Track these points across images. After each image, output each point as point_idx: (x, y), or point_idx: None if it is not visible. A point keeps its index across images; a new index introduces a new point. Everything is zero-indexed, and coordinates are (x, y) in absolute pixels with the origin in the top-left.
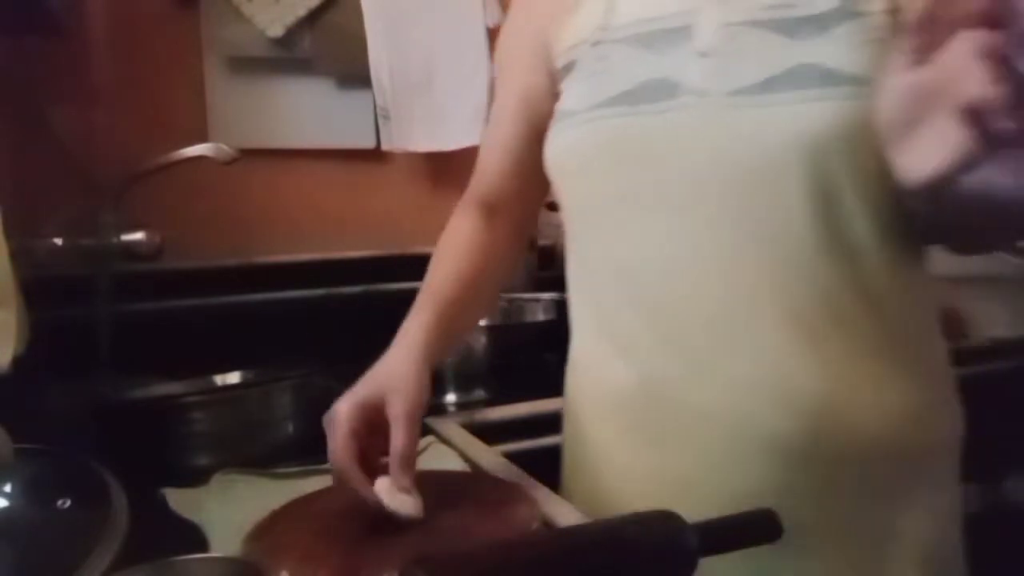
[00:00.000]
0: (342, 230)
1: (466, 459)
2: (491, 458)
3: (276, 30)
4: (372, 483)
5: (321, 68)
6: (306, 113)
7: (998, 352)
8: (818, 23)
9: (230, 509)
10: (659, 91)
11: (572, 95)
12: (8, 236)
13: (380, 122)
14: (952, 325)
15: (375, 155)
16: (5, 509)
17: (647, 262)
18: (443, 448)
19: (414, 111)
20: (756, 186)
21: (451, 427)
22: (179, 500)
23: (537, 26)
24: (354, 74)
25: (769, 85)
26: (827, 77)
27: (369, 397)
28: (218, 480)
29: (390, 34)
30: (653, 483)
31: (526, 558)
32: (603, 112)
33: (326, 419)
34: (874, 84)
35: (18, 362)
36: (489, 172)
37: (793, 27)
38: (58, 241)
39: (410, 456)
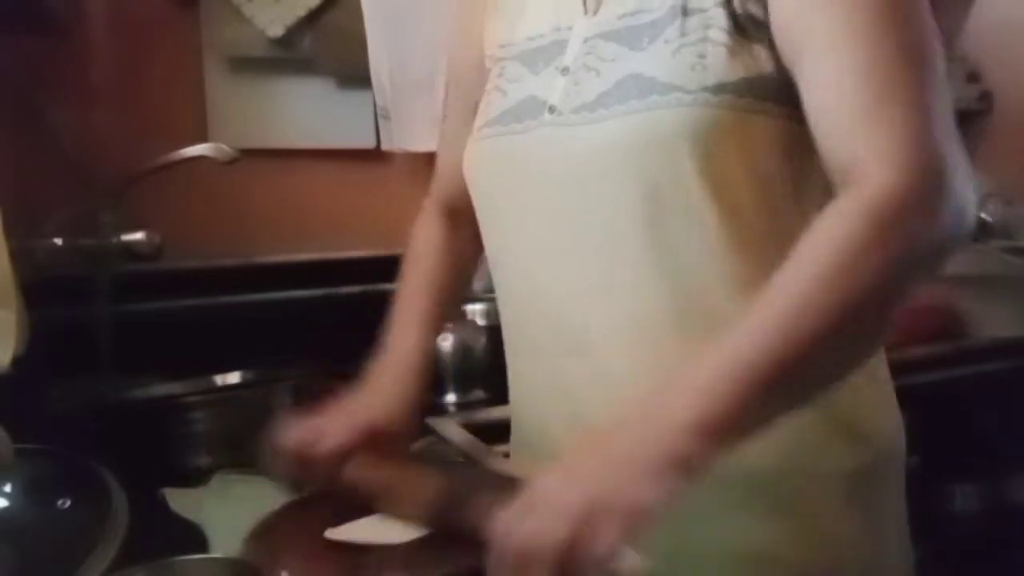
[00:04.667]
0: (342, 230)
1: (466, 459)
2: (491, 458)
3: (276, 30)
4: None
5: (321, 68)
6: (306, 113)
7: (998, 352)
8: (654, 28)
9: (230, 509)
10: (528, 110)
11: (479, 110)
12: (8, 236)
13: (380, 122)
14: (952, 325)
15: (375, 155)
16: (5, 509)
17: (513, 274)
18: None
19: (414, 111)
20: (589, 200)
21: (451, 427)
22: (179, 500)
23: (476, 34)
24: (354, 74)
25: (601, 100)
26: (647, 87)
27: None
28: (218, 480)
29: (390, 34)
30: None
31: None
32: (485, 132)
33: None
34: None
35: (18, 362)
36: (448, 176)
37: (636, 36)
38: (58, 241)
39: None
